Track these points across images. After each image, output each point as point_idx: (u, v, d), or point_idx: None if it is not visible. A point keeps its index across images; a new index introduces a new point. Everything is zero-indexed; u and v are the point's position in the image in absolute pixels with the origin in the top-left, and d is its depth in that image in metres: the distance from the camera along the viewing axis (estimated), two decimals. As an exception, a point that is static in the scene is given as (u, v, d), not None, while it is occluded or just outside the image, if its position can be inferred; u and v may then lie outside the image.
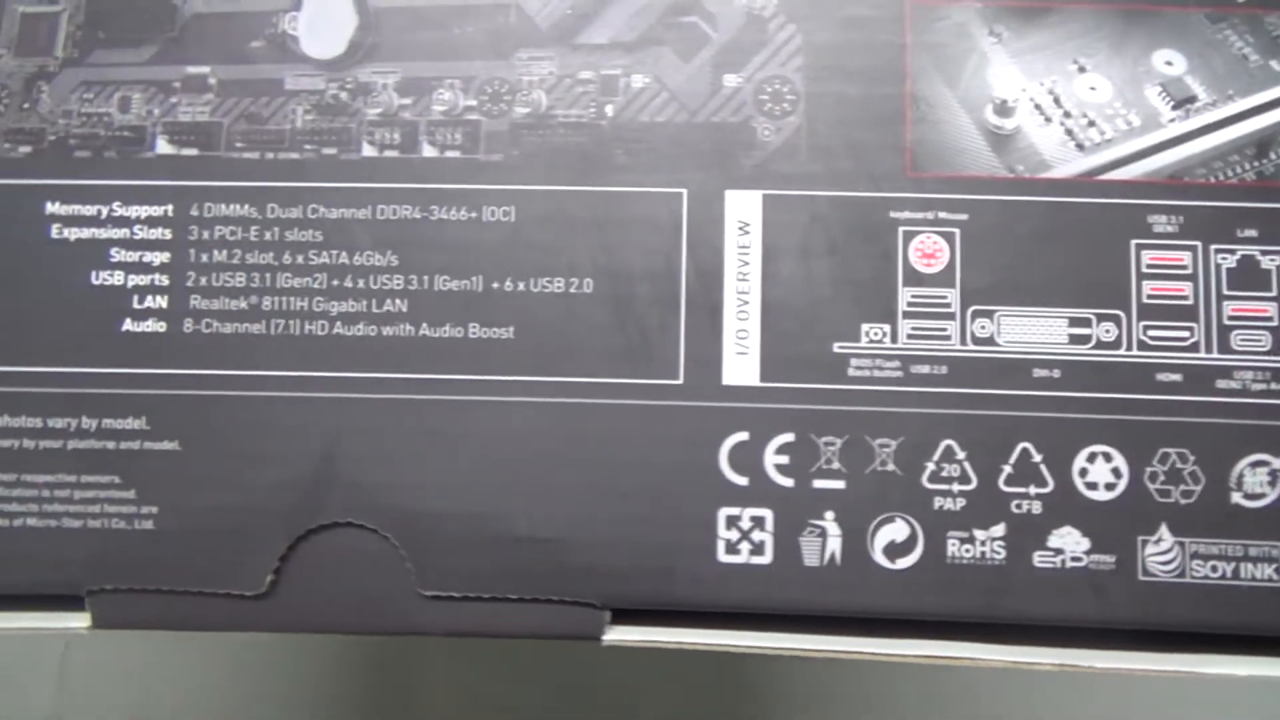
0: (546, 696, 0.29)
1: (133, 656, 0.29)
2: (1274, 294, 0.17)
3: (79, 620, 0.17)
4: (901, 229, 0.18)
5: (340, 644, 0.30)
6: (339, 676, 0.29)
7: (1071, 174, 0.18)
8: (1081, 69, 0.18)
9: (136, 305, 0.18)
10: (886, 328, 0.17)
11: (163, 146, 0.18)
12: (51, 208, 0.18)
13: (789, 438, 0.17)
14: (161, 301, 0.18)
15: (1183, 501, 0.17)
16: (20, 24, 0.18)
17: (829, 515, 0.17)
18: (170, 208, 0.18)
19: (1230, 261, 0.17)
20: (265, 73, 0.18)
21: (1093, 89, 0.18)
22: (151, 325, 0.18)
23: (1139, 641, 0.17)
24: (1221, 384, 0.17)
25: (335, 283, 0.18)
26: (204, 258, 0.18)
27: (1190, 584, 0.17)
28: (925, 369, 0.17)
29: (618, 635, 0.17)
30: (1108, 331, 0.17)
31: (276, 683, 0.29)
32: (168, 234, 0.18)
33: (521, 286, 0.18)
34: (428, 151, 0.18)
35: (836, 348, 0.17)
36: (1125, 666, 0.17)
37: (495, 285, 0.18)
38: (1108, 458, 0.17)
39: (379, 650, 0.29)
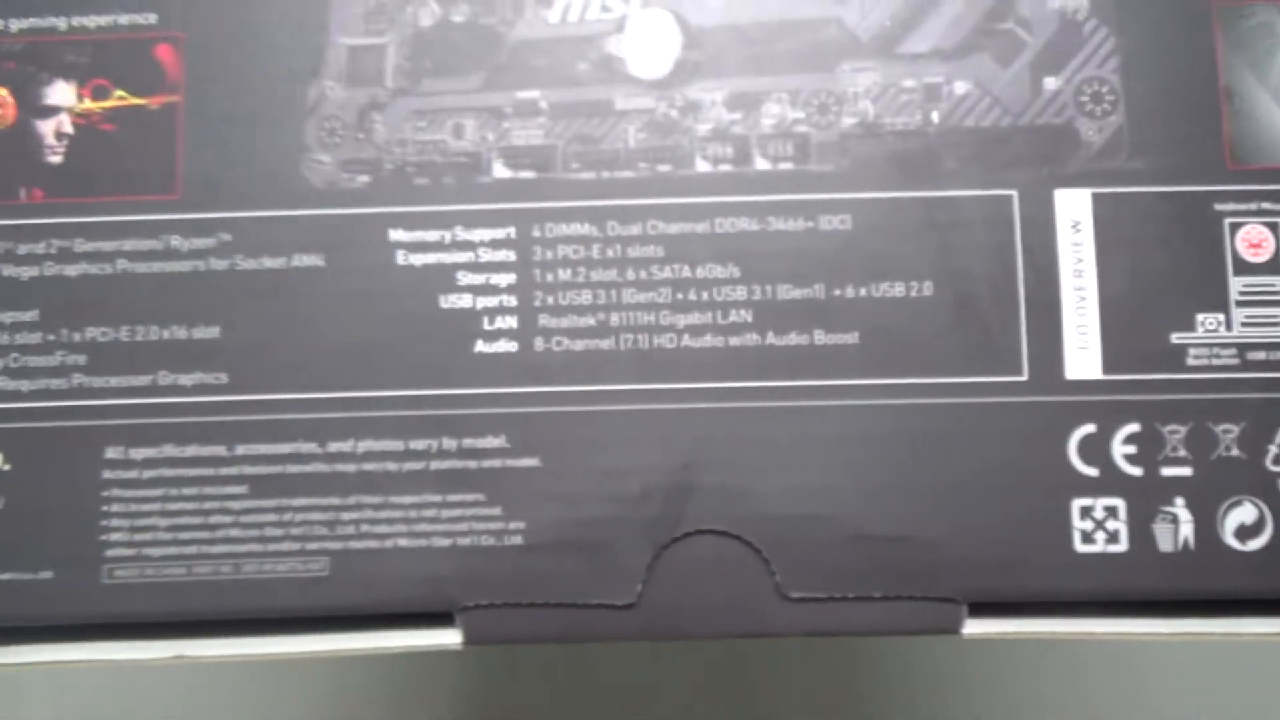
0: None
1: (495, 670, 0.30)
2: None
3: (450, 637, 0.18)
4: (1227, 220, 0.18)
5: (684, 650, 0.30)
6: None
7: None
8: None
9: (487, 326, 0.18)
10: (1221, 317, 0.18)
11: (500, 170, 0.18)
12: (395, 234, 0.18)
13: (1135, 428, 0.18)
14: (511, 322, 0.18)
15: None
16: (348, 56, 0.18)
17: (1179, 501, 0.18)
18: (512, 230, 0.18)
19: None
20: (595, 94, 0.18)
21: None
22: (503, 345, 0.18)
23: None
24: None
25: (679, 296, 0.18)
26: (549, 277, 0.18)
27: None
28: (1261, 355, 0.18)
29: (976, 628, 0.18)
30: None
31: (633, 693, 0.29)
32: (512, 255, 0.18)
33: (863, 292, 0.18)
34: (760, 164, 0.18)
35: (1175, 338, 0.18)
36: None
37: (836, 292, 0.18)
38: None
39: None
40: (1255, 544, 0.18)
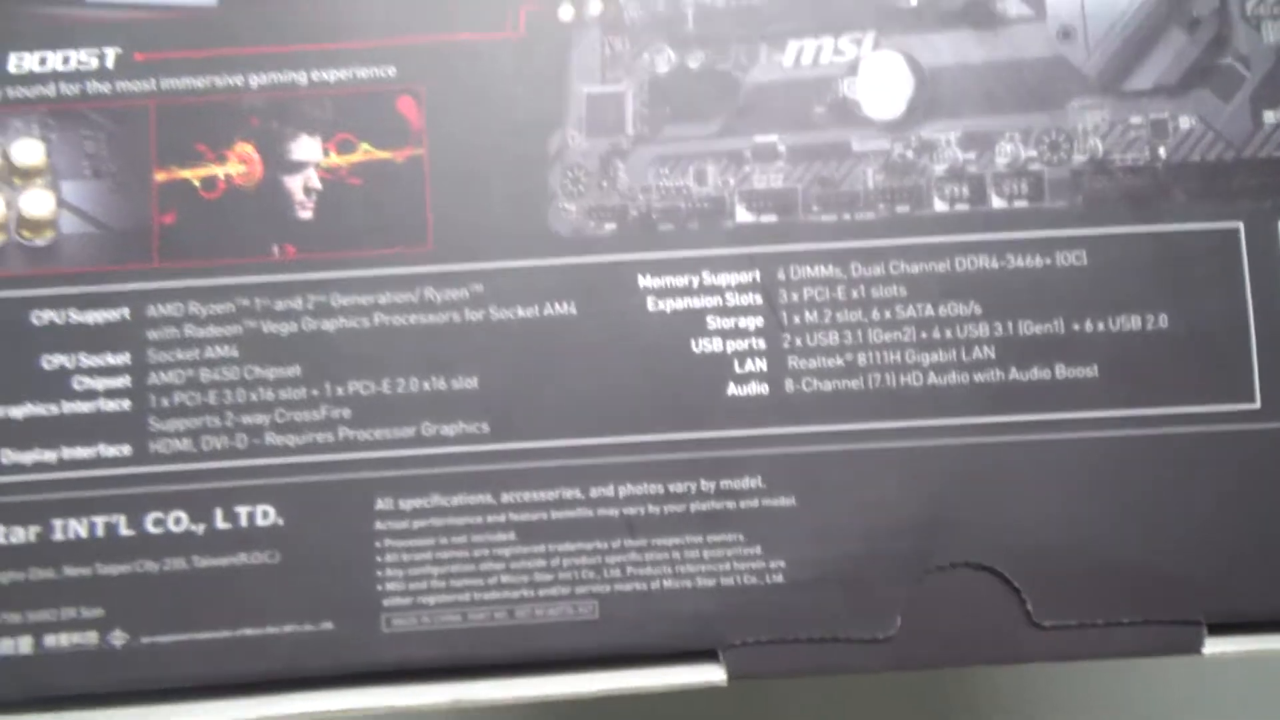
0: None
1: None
2: None
3: (715, 674, 0.18)
4: None
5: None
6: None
7: None
8: None
9: (738, 369, 0.18)
10: None
11: (742, 215, 0.19)
12: (644, 281, 0.18)
13: None
14: (761, 364, 0.18)
15: None
16: (587, 105, 0.19)
17: None
18: (757, 273, 0.18)
19: None
20: (831, 137, 0.19)
21: None
22: (755, 388, 0.18)
23: None
24: None
25: (924, 334, 0.18)
26: (796, 319, 0.18)
27: None
28: None
29: (1217, 647, 0.19)
30: None
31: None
32: (758, 299, 0.18)
33: (1101, 326, 0.19)
34: (996, 203, 0.19)
35: None
36: None
37: (1076, 326, 0.18)
38: None
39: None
40: None
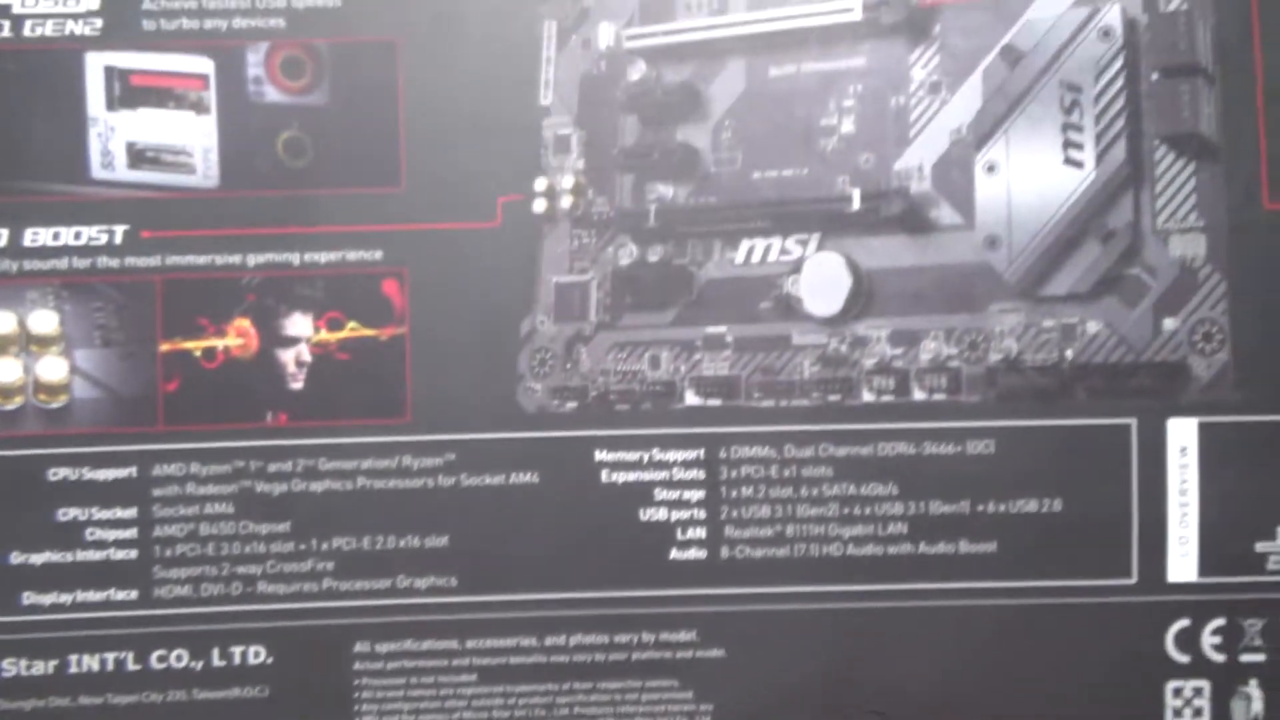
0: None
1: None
2: None
3: (648, 798, 0.21)
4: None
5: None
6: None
7: None
8: None
9: (680, 537, 0.21)
10: (1299, 530, 0.21)
11: (691, 398, 0.21)
12: (600, 455, 0.21)
13: (1221, 621, 0.21)
14: (701, 533, 0.21)
15: None
16: (556, 293, 0.21)
17: (1253, 682, 0.21)
18: (702, 451, 0.21)
19: None
20: (775, 330, 0.21)
21: None
22: (694, 553, 0.21)
23: None
24: None
25: (846, 511, 0.21)
26: (734, 494, 0.21)
27: None
28: (1330, 562, 0.21)
29: None
30: None
31: None
32: (701, 474, 0.21)
33: (1002, 508, 0.21)
34: (918, 395, 0.21)
35: (1259, 547, 0.21)
36: None
37: (980, 507, 0.21)
38: None
39: None
40: (1315, 719, 0.21)
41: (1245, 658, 0.21)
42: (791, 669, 0.21)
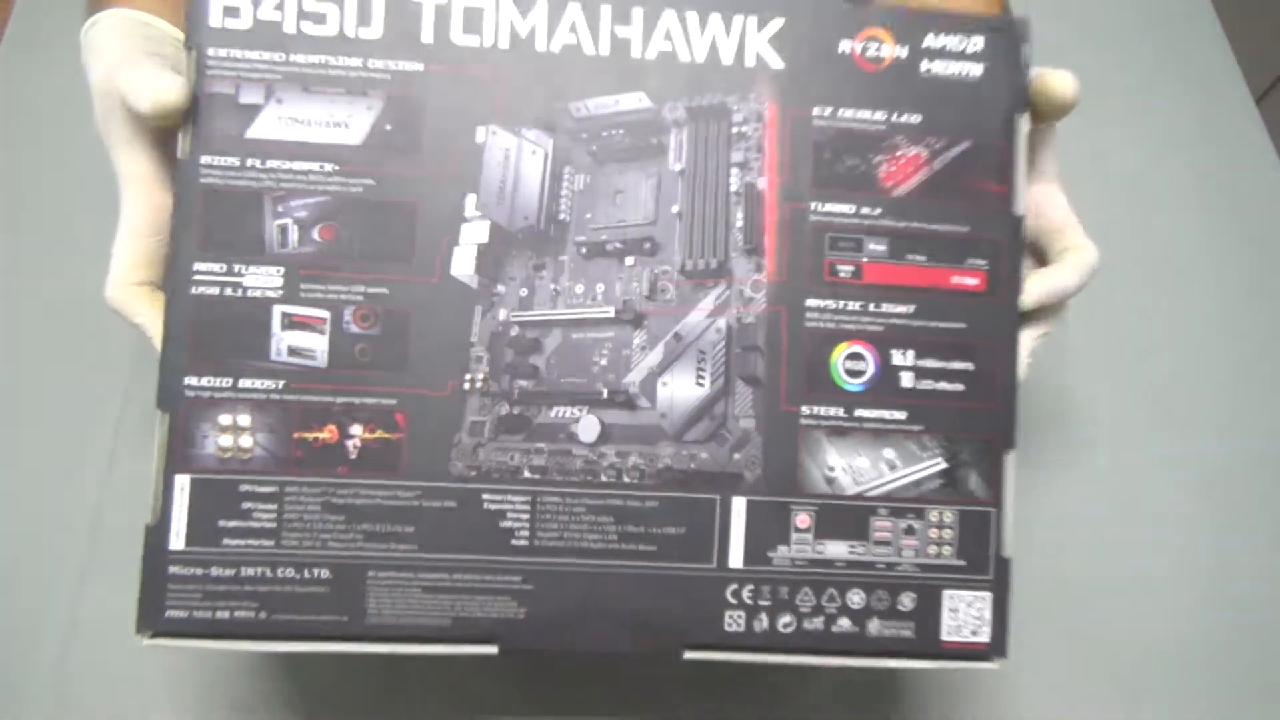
0: None
1: None
2: None
3: None
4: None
5: None
6: None
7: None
8: None
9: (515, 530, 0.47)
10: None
11: (526, 473, 0.47)
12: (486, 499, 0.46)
13: (751, 586, 0.48)
14: (526, 531, 0.47)
15: None
16: (469, 427, 0.47)
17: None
18: (529, 498, 0.47)
19: None
20: (564, 446, 0.47)
21: None
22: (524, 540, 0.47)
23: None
24: None
25: (591, 524, 0.47)
26: (543, 515, 0.47)
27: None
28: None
29: (692, 655, 0.48)
30: None
31: None
32: (528, 507, 0.47)
33: (655, 531, 0.47)
34: (626, 479, 0.47)
35: (768, 553, 0.48)
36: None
37: (650, 529, 0.47)
38: None
39: None
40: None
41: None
42: (570, 597, 0.47)
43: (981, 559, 0.50)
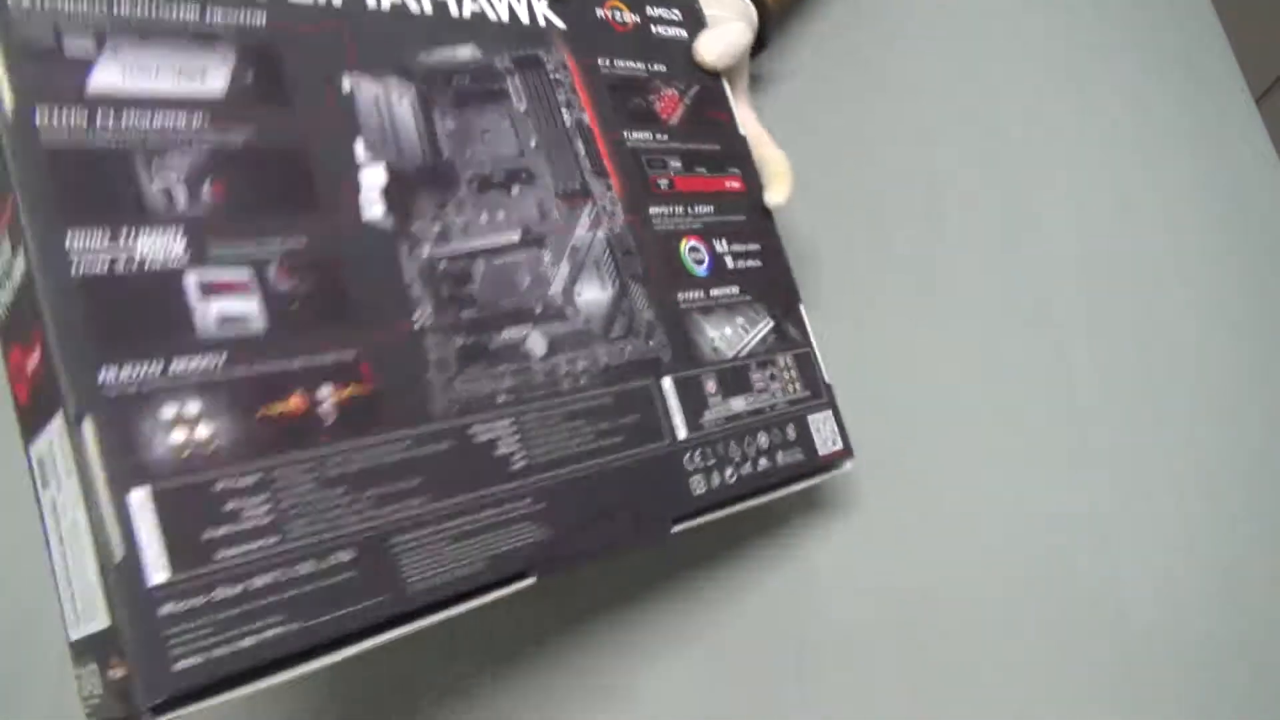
0: None
1: None
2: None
3: (532, 580, 0.43)
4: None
5: None
6: None
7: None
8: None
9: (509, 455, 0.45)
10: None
11: (500, 397, 0.45)
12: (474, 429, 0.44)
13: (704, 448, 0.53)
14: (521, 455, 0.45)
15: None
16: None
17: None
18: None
19: None
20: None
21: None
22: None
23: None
24: None
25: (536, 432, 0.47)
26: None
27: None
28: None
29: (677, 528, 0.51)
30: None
31: None
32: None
33: (608, 425, 0.50)
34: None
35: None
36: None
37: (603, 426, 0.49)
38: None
39: None
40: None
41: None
42: (577, 504, 0.46)
43: (817, 386, 0.62)
